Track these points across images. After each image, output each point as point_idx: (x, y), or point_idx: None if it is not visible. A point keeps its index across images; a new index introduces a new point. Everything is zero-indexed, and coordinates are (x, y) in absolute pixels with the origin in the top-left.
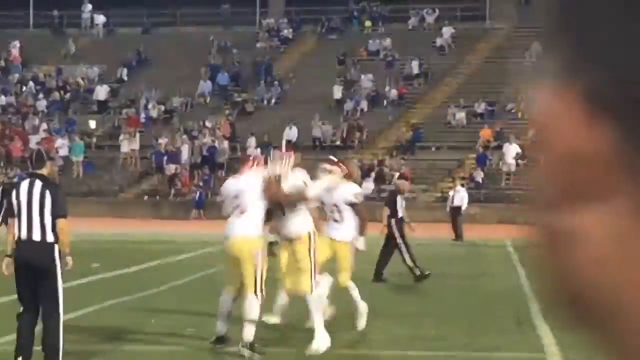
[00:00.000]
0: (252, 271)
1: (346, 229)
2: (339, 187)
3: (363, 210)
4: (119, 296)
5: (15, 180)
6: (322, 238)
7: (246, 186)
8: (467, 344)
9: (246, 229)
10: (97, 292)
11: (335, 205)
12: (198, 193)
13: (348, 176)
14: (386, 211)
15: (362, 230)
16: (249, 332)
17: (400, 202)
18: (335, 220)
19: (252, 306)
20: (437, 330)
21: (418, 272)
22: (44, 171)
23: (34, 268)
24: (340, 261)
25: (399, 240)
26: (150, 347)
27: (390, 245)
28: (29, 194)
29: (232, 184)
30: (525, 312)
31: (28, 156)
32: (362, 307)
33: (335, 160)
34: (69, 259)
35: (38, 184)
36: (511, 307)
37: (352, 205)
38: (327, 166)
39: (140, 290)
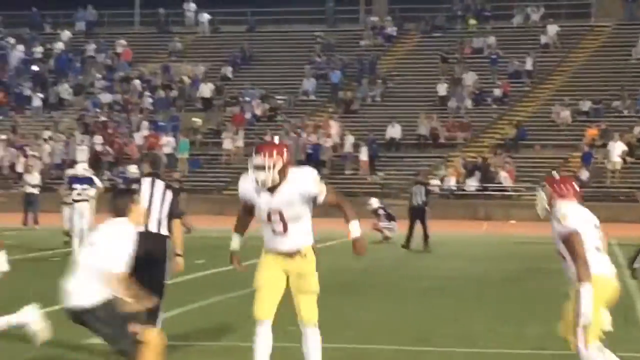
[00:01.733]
0: None
1: None
2: None
3: None
4: (223, 292)
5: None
6: None
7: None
8: (571, 342)
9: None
10: (202, 289)
11: None
12: None
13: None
14: None
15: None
16: None
17: None
18: None
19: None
20: (541, 328)
21: None
22: (161, 172)
23: (147, 259)
24: None
25: None
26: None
27: None
28: (152, 191)
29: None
30: (631, 311)
31: (145, 158)
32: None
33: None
34: (180, 259)
35: (160, 183)
36: (616, 306)
37: None
38: None
39: (245, 287)
